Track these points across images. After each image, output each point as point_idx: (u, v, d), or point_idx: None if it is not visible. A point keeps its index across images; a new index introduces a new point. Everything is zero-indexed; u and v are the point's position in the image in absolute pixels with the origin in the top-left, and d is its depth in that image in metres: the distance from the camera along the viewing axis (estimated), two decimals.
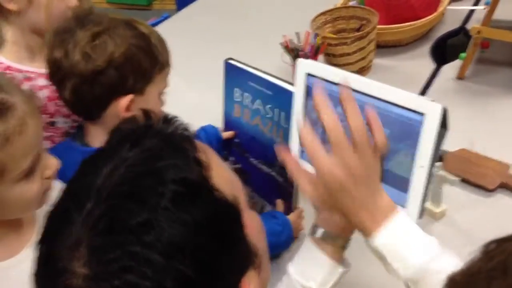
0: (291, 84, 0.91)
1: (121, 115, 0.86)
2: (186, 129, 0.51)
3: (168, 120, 0.51)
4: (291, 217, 1.00)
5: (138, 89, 0.87)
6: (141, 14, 3.40)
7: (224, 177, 0.50)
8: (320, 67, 0.79)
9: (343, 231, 0.74)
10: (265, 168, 1.03)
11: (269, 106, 0.97)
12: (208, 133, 1.14)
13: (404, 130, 0.71)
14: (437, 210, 1.03)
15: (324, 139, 0.67)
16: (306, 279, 0.73)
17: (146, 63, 0.86)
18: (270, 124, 0.98)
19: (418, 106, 0.68)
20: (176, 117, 0.53)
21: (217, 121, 1.16)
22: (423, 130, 0.69)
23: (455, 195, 1.06)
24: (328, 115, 0.65)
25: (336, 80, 0.74)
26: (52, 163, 0.74)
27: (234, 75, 1.08)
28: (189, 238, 0.42)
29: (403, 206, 0.73)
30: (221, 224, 0.46)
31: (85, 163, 0.49)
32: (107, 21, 0.85)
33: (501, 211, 1.04)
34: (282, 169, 0.97)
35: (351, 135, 0.65)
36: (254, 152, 1.06)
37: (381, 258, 0.65)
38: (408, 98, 0.69)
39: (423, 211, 0.73)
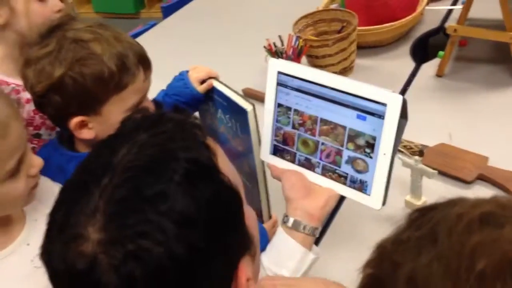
0: (246, 99, 0.94)
1: (75, 134, 0.86)
2: (196, 118, 0.55)
3: (179, 109, 0.55)
4: (265, 226, 1.01)
5: (89, 111, 0.84)
6: (128, 22, 3.43)
7: (227, 166, 0.54)
8: (289, 65, 0.84)
9: (312, 220, 0.78)
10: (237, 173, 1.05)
11: (227, 116, 0.99)
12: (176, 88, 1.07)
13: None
14: (418, 203, 1.06)
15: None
16: (279, 267, 0.77)
17: (92, 87, 0.81)
18: (232, 133, 1.00)
19: (381, 97, 0.73)
20: (186, 109, 0.56)
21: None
22: (385, 119, 0.74)
23: (434, 188, 1.10)
24: None
25: (305, 77, 0.81)
26: (36, 161, 0.76)
27: None
28: (200, 211, 0.45)
29: (366, 192, 0.78)
30: (227, 203, 0.49)
31: (98, 146, 0.51)
32: (57, 41, 0.82)
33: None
34: (249, 176, 1.00)
35: None
36: (227, 157, 1.08)
37: None
38: (372, 91, 0.75)
39: (386, 198, 0.77)
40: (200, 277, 0.46)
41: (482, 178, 1.11)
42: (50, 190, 0.80)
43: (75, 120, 0.84)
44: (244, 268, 0.50)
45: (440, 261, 0.36)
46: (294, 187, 0.81)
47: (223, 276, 0.49)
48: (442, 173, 1.10)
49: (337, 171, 0.81)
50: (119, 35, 0.85)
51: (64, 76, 0.80)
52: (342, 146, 0.80)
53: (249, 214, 0.55)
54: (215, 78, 1.06)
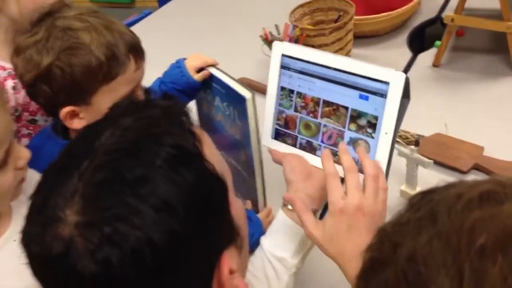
0: (246, 86, 0.93)
1: (66, 124, 0.85)
2: (184, 105, 0.54)
3: (167, 96, 0.54)
4: (260, 216, 1.01)
5: (79, 101, 0.83)
6: (123, 12, 3.40)
7: (214, 155, 0.52)
8: (294, 48, 0.84)
9: (313, 202, 0.77)
10: (233, 161, 1.05)
11: (225, 103, 0.99)
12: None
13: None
14: (413, 192, 1.06)
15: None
16: (280, 250, 0.76)
17: (80, 77, 0.80)
18: (229, 121, 1.00)
19: (383, 76, 0.73)
20: (175, 95, 0.56)
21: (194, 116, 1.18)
22: (388, 98, 0.74)
23: (430, 178, 1.09)
24: (348, 158, 0.72)
25: (308, 59, 0.81)
26: (24, 153, 0.75)
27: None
28: (180, 197, 0.45)
29: None
30: (210, 191, 0.48)
31: (83, 130, 0.51)
32: (45, 30, 0.80)
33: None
34: (245, 165, 1.00)
35: (365, 180, 0.70)
36: (223, 145, 1.08)
37: None
38: (374, 70, 0.75)
39: (386, 180, 0.78)
40: (178, 265, 0.45)
41: (478, 168, 1.11)
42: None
43: (65, 110, 0.83)
44: (227, 259, 0.49)
45: (439, 238, 0.36)
46: (294, 170, 0.81)
47: (204, 265, 0.48)
48: (437, 163, 1.10)
49: (338, 153, 0.81)
50: (110, 23, 0.83)
51: (52, 65, 0.79)
52: (344, 127, 0.80)
53: (236, 205, 0.54)
54: (214, 66, 1.06)
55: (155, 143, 0.46)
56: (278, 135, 0.88)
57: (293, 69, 0.84)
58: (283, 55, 0.84)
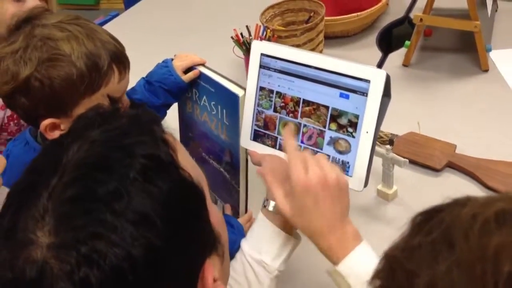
0: (237, 84, 0.92)
1: (47, 137, 0.81)
2: (153, 113, 0.52)
3: (135, 105, 0.52)
4: (241, 221, 1.00)
5: (59, 114, 0.79)
6: (88, 14, 3.33)
7: (188, 163, 0.51)
8: (273, 47, 0.84)
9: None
10: (215, 163, 1.04)
11: (213, 103, 0.98)
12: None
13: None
14: (390, 191, 1.07)
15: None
16: (259, 253, 0.75)
17: (61, 90, 0.76)
18: (215, 121, 0.99)
19: (364, 74, 0.73)
20: (143, 103, 0.53)
21: (173, 116, 1.16)
22: (369, 96, 0.73)
23: (405, 177, 1.11)
24: (290, 143, 0.73)
25: (288, 58, 0.80)
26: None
27: None
28: (157, 209, 0.43)
29: (348, 174, 0.78)
30: (187, 200, 0.47)
31: (48, 145, 0.48)
32: (23, 39, 0.76)
33: (449, 189, 1.09)
34: (228, 166, 0.98)
35: (319, 157, 0.72)
36: (205, 147, 1.07)
37: (342, 282, 0.68)
38: (355, 68, 0.75)
39: (367, 180, 0.77)
40: (160, 278, 0.43)
41: (451, 165, 1.12)
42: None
43: (45, 123, 0.79)
44: (211, 268, 0.48)
45: (461, 267, 0.34)
46: (274, 171, 0.80)
47: (187, 276, 0.47)
48: (412, 162, 1.11)
49: (318, 153, 0.80)
50: (91, 32, 0.79)
51: (30, 78, 0.75)
52: (324, 127, 0.79)
53: (214, 212, 0.53)
54: (202, 64, 1.04)
55: (127, 154, 0.44)
56: (257, 136, 0.87)
57: (273, 69, 0.83)
58: (262, 54, 0.83)
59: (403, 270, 0.37)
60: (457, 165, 1.12)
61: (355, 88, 0.75)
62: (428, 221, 0.39)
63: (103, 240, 0.40)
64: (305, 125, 0.81)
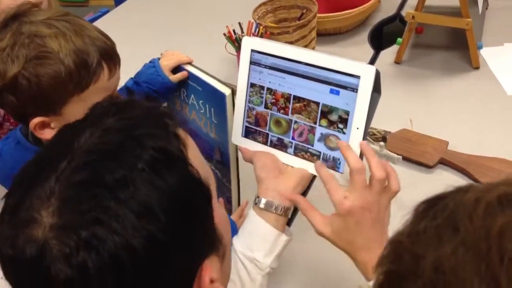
0: (224, 83, 0.92)
1: (36, 135, 0.80)
2: (167, 107, 0.52)
3: (151, 98, 0.52)
4: (233, 217, 0.99)
5: (48, 112, 0.78)
6: (77, 10, 3.31)
7: (198, 160, 0.51)
8: (263, 43, 0.83)
9: (284, 200, 0.77)
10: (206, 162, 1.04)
11: (201, 101, 0.97)
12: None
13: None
14: None
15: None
16: (251, 250, 0.75)
17: (49, 88, 0.75)
18: (204, 119, 0.98)
19: (354, 69, 0.73)
20: (159, 98, 0.54)
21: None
22: (359, 91, 0.74)
23: (398, 173, 1.09)
24: (353, 157, 0.72)
25: (278, 54, 0.80)
26: None
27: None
28: (162, 202, 0.43)
29: (339, 171, 0.78)
30: (193, 197, 0.47)
31: (61, 130, 0.48)
32: (10, 37, 0.75)
33: (441, 185, 1.07)
34: (219, 164, 0.98)
35: (371, 181, 0.71)
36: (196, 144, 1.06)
37: None
38: (345, 64, 0.75)
39: None
40: (157, 272, 0.43)
41: (443, 162, 1.13)
42: None
43: (34, 121, 0.77)
44: (209, 268, 0.48)
45: (466, 246, 0.35)
46: (265, 168, 0.80)
47: (184, 273, 0.47)
48: (405, 159, 1.11)
49: (309, 150, 0.81)
50: (80, 28, 0.78)
51: (18, 76, 0.73)
52: (315, 123, 0.79)
53: (220, 212, 0.53)
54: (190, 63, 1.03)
55: (138, 145, 0.44)
56: (248, 133, 0.87)
57: (263, 65, 0.82)
58: (252, 51, 0.83)
59: (409, 253, 0.38)
60: (450, 162, 1.12)
61: (345, 84, 0.75)
62: (431, 208, 0.40)
63: (104, 226, 0.40)
64: (296, 122, 0.81)
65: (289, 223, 0.86)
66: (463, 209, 0.37)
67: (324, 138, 0.79)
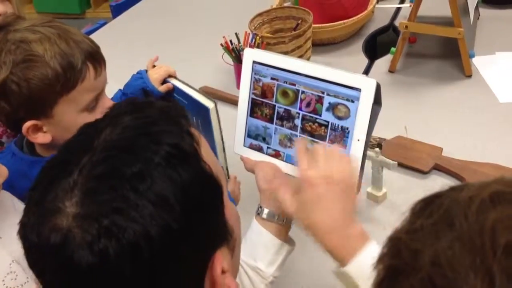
0: (208, 97, 0.94)
1: (30, 139, 0.82)
2: (182, 108, 0.54)
3: (167, 99, 0.55)
4: (228, 187, 0.99)
5: (39, 115, 0.80)
6: (75, 23, 3.32)
7: (210, 157, 0.53)
8: (265, 55, 0.85)
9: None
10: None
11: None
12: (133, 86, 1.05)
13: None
14: (379, 194, 1.09)
15: None
16: (254, 260, 0.77)
17: (37, 90, 0.77)
18: None
19: (355, 82, 0.75)
20: (175, 100, 0.56)
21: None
22: (359, 104, 0.75)
23: (394, 179, 1.13)
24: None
25: (280, 65, 0.82)
26: (2, 171, 0.72)
27: None
28: (176, 193, 0.45)
29: (347, 141, 0.79)
30: (205, 190, 0.49)
31: (83, 127, 0.51)
32: None
33: (436, 190, 1.11)
34: None
35: (328, 151, 0.71)
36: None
37: (349, 284, 0.69)
38: (346, 76, 0.77)
39: (360, 186, 0.78)
40: (173, 260, 0.45)
41: (438, 168, 1.15)
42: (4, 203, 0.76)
43: (26, 125, 0.80)
44: (220, 259, 0.50)
45: (461, 241, 0.37)
46: (267, 177, 0.81)
47: (197, 262, 0.49)
48: (400, 165, 1.13)
49: (317, 120, 0.81)
50: (64, 32, 0.80)
51: (7, 81, 0.76)
52: (323, 93, 0.79)
53: (230, 207, 0.55)
54: (174, 76, 1.05)
55: (154, 141, 0.47)
56: (254, 105, 0.86)
57: (265, 76, 0.84)
58: (254, 62, 0.85)
59: (408, 249, 0.39)
60: (444, 168, 1.14)
61: (346, 97, 0.76)
62: (428, 206, 0.41)
63: (124, 215, 0.43)
64: (303, 92, 0.81)
65: None
66: (458, 207, 0.39)
67: (332, 107, 0.79)
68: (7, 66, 0.76)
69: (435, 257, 0.37)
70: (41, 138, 0.82)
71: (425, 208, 0.42)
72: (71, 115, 0.81)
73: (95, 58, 0.83)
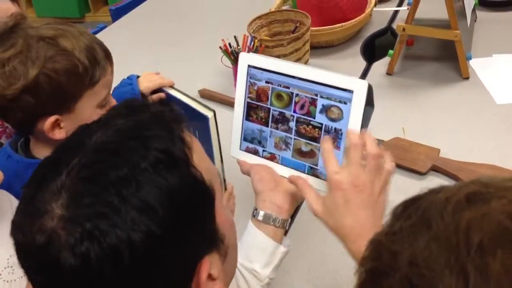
0: (206, 106, 0.94)
1: (48, 135, 0.84)
2: (177, 112, 0.55)
3: (163, 103, 0.55)
4: (224, 200, 1.00)
5: (63, 110, 0.83)
6: None
7: (204, 163, 0.53)
8: (259, 59, 0.86)
9: (282, 212, 0.79)
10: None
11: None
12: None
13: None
14: None
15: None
16: (250, 261, 0.77)
17: (68, 84, 0.80)
18: None
19: (347, 84, 0.76)
20: (172, 104, 0.57)
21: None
22: (352, 106, 0.76)
23: (391, 180, 1.13)
24: (354, 134, 0.71)
25: (274, 69, 0.83)
26: None
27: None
28: (162, 200, 0.45)
29: (340, 143, 0.80)
30: (194, 197, 0.49)
31: (79, 128, 0.52)
32: (23, 41, 0.79)
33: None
34: None
35: (367, 159, 0.70)
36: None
37: None
38: (338, 78, 0.77)
39: None
40: (155, 266, 0.45)
41: (435, 169, 1.16)
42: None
43: (50, 120, 0.82)
44: (207, 265, 0.50)
45: (437, 241, 0.38)
46: (262, 180, 0.82)
47: (181, 268, 0.49)
48: (398, 166, 1.13)
49: (311, 122, 0.81)
50: (79, 29, 0.84)
51: (39, 75, 0.78)
52: (316, 96, 0.80)
53: (224, 213, 0.55)
54: (171, 86, 1.05)
55: (143, 145, 0.47)
56: (250, 108, 0.87)
57: (260, 80, 0.85)
58: (249, 66, 0.86)
59: (387, 251, 0.40)
60: (441, 169, 1.15)
61: (339, 99, 0.78)
62: (407, 209, 0.42)
63: (107, 220, 0.43)
64: (297, 95, 0.82)
65: (285, 233, 0.88)
66: (435, 208, 0.40)
67: (325, 109, 0.80)
68: (40, 61, 0.78)
69: (413, 257, 0.38)
70: (57, 134, 0.84)
71: (404, 210, 0.43)
72: (88, 110, 0.85)
73: (108, 54, 0.87)
